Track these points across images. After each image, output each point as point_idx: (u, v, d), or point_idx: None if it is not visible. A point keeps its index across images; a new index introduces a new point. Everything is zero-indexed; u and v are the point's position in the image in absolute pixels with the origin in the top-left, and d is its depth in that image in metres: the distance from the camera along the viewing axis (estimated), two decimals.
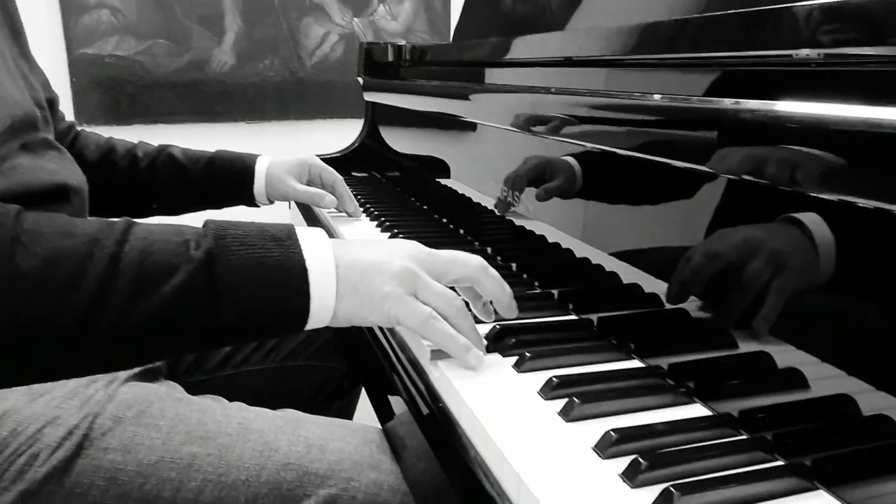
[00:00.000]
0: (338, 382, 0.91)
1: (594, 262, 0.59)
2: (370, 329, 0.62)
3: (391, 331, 0.59)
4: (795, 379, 0.39)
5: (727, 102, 0.41)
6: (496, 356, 0.51)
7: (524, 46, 0.73)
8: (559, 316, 0.60)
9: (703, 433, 0.41)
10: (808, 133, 0.36)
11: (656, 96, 0.48)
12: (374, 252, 0.49)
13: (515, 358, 0.50)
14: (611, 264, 0.57)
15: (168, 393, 0.59)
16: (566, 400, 0.43)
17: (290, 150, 1.00)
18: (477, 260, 0.51)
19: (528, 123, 0.66)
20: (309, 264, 0.45)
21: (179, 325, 0.42)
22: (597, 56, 0.59)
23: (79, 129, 0.89)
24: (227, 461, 0.54)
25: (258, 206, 0.97)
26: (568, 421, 0.42)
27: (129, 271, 0.41)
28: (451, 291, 0.49)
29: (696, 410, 0.44)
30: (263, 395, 0.69)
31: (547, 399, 0.45)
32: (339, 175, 0.96)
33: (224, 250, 0.43)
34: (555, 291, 0.64)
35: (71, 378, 0.55)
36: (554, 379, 0.46)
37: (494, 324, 0.55)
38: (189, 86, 1.80)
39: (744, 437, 0.41)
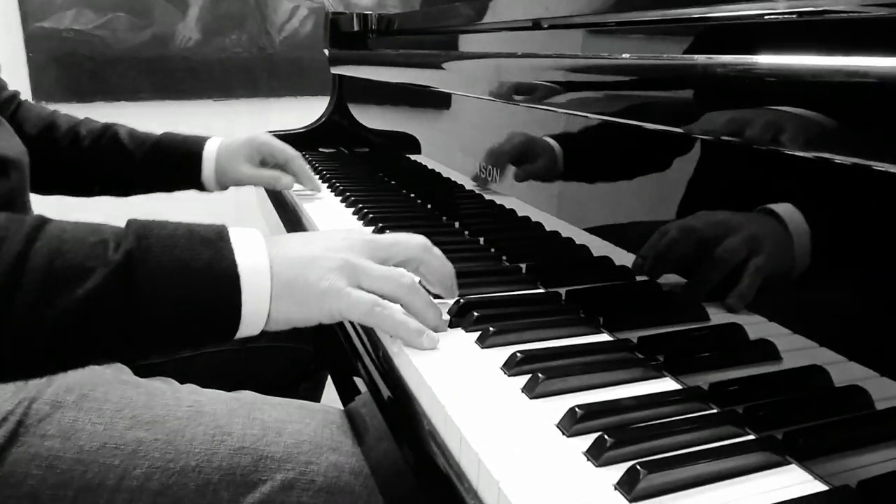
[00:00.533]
0: (304, 364, 0.88)
1: (564, 235, 0.57)
2: None
3: None
4: (767, 350, 0.38)
5: (701, 58, 0.39)
6: (459, 331, 0.49)
7: (490, 10, 0.70)
8: (526, 290, 0.58)
9: (672, 408, 0.39)
10: (794, 87, 0.34)
11: (625, 55, 0.46)
12: (310, 247, 0.46)
13: (479, 333, 0.48)
14: (581, 238, 0.55)
15: (114, 376, 0.56)
16: (530, 376, 0.41)
17: (261, 128, 0.94)
18: (419, 239, 0.49)
19: (496, 90, 0.63)
20: (241, 267, 0.41)
21: (92, 334, 0.38)
22: (566, 16, 0.57)
23: (22, 99, 0.84)
24: (176, 446, 0.51)
25: (211, 192, 0.90)
26: (532, 397, 0.40)
27: (36, 273, 0.37)
28: (397, 270, 0.47)
29: (666, 384, 0.43)
30: (225, 379, 0.66)
31: (510, 375, 0.43)
32: (293, 151, 0.89)
33: (145, 253, 0.39)
34: (522, 266, 0.62)
35: None
36: (518, 354, 0.43)
37: (458, 297, 0.52)
38: (152, 62, 1.73)
39: (714, 410, 0.40)
